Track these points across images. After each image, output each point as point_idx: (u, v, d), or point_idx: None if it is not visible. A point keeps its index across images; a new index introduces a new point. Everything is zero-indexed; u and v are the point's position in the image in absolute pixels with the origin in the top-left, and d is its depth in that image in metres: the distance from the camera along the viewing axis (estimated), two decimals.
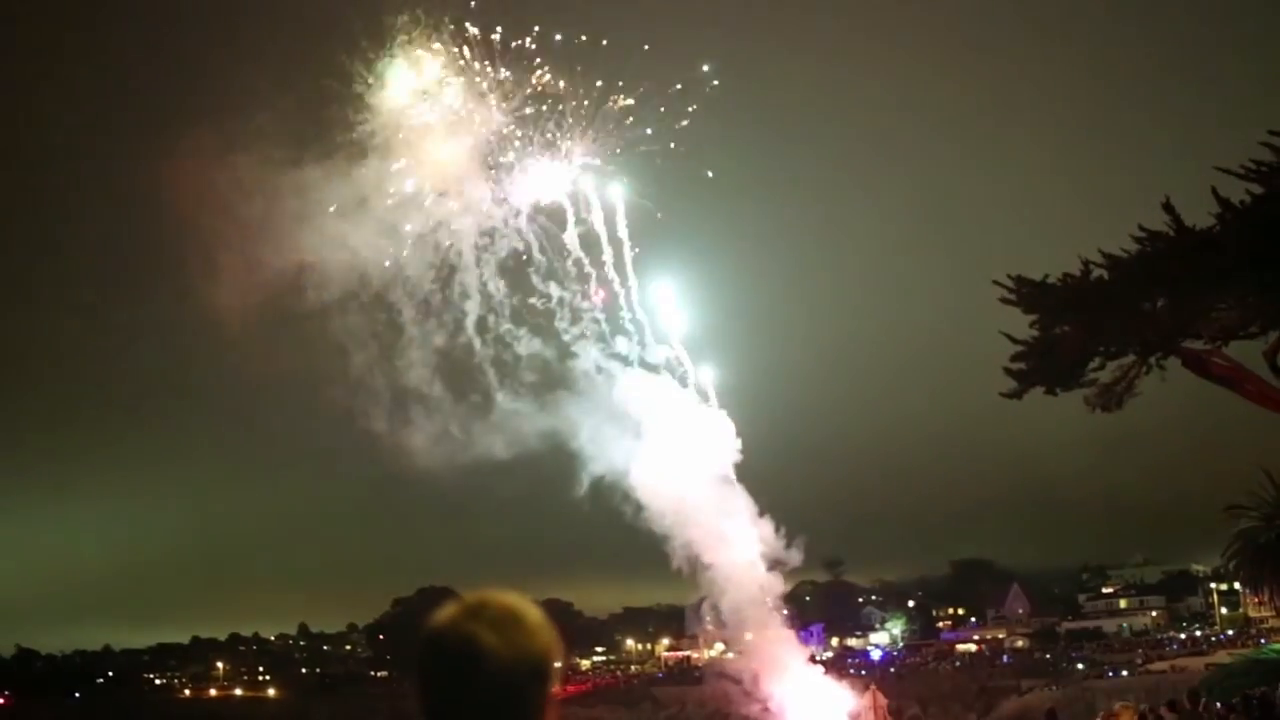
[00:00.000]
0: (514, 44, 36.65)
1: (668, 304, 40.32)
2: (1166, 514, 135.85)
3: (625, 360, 39.38)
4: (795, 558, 39.78)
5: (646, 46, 40.02)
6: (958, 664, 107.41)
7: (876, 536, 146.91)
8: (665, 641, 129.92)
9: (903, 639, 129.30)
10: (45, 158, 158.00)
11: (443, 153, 37.66)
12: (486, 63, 36.80)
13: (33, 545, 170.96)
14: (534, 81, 37.02)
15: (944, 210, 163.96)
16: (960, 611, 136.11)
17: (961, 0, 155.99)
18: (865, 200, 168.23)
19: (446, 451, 38.77)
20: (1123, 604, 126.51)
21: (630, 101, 37.10)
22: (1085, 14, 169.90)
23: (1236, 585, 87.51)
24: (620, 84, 37.06)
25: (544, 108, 37.39)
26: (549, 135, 37.85)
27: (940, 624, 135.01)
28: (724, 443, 39.52)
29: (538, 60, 36.84)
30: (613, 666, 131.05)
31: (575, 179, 38.60)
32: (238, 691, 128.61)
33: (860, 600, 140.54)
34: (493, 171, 38.21)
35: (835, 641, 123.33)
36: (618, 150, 37.91)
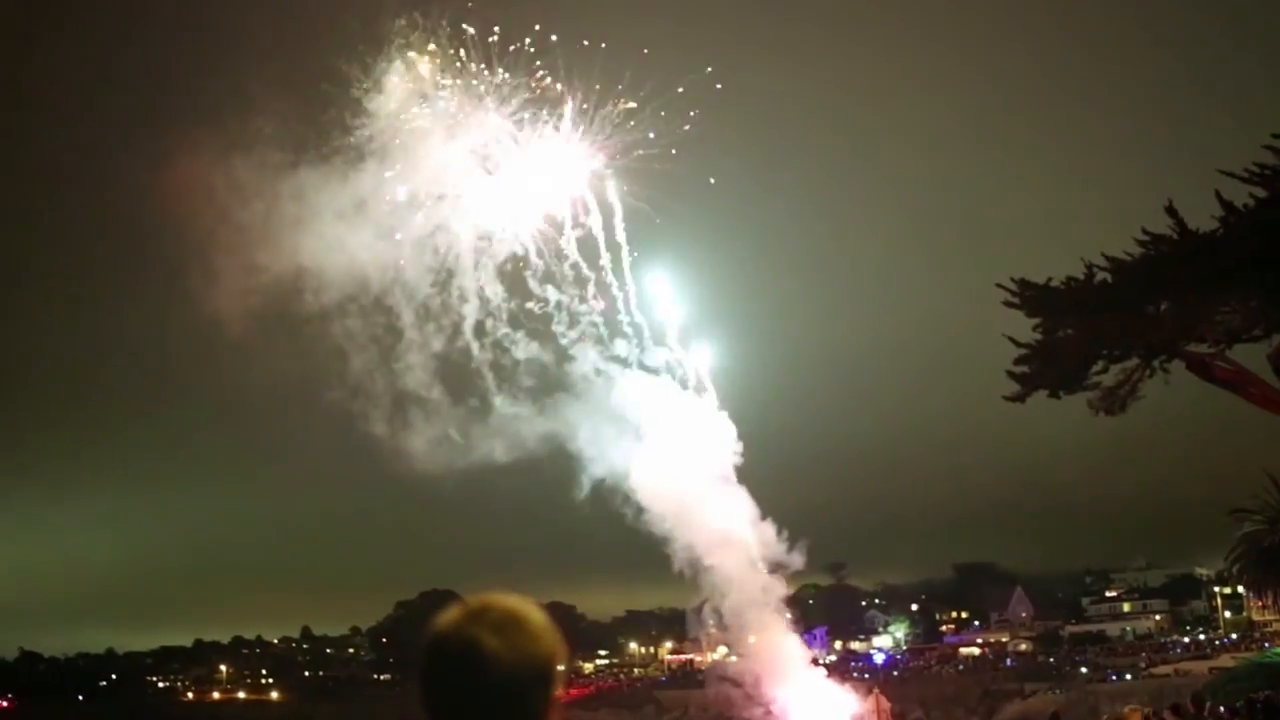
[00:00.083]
0: (512, 48, 36.68)
1: (668, 307, 40.37)
2: (1170, 517, 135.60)
3: (624, 363, 39.42)
4: (797, 561, 39.81)
5: (646, 50, 40.03)
6: (961, 667, 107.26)
7: (879, 540, 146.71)
8: (668, 645, 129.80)
9: (906, 642, 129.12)
10: (45, 161, 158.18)
11: (441, 156, 37.68)
12: (484, 66, 36.85)
13: (35, 548, 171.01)
14: (532, 85, 37.06)
15: (947, 214, 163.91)
16: (963, 615, 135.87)
17: (963, 5, 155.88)
18: (868, 204, 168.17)
19: (447, 455, 38.83)
20: (1126, 607, 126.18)
21: (632, 105, 37.10)
22: (1087, 17, 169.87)
23: (1240, 589, 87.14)
24: (619, 88, 37.09)
25: (543, 112, 37.44)
26: (547, 139, 37.89)
27: (943, 627, 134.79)
28: (725, 445, 39.54)
29: (536, 64, 36.89)
30: (616, 670, 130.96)
31: (573, 183, 38.61)
32: (240, 694, 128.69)
33: (863, 604, 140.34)
34: (491, 175, 38.25)
35: (838, 645, 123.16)
36: (616, 154, 37.94)
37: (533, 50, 36.76)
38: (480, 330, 38.81)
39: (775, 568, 39.64)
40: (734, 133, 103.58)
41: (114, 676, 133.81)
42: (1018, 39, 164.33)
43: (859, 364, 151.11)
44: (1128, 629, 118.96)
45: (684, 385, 40.02)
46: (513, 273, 38.81)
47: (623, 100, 37.07)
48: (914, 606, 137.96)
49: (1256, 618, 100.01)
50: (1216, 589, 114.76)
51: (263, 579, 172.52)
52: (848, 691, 43.71)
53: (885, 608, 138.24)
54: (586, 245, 38.92)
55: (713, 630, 43.83)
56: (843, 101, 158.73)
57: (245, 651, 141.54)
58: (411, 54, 36.58)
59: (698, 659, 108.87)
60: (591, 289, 39.00)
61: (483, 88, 37.02)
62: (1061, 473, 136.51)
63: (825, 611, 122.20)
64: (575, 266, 38.88)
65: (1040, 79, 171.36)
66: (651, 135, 37.27)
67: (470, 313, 38.58)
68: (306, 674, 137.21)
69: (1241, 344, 31.39)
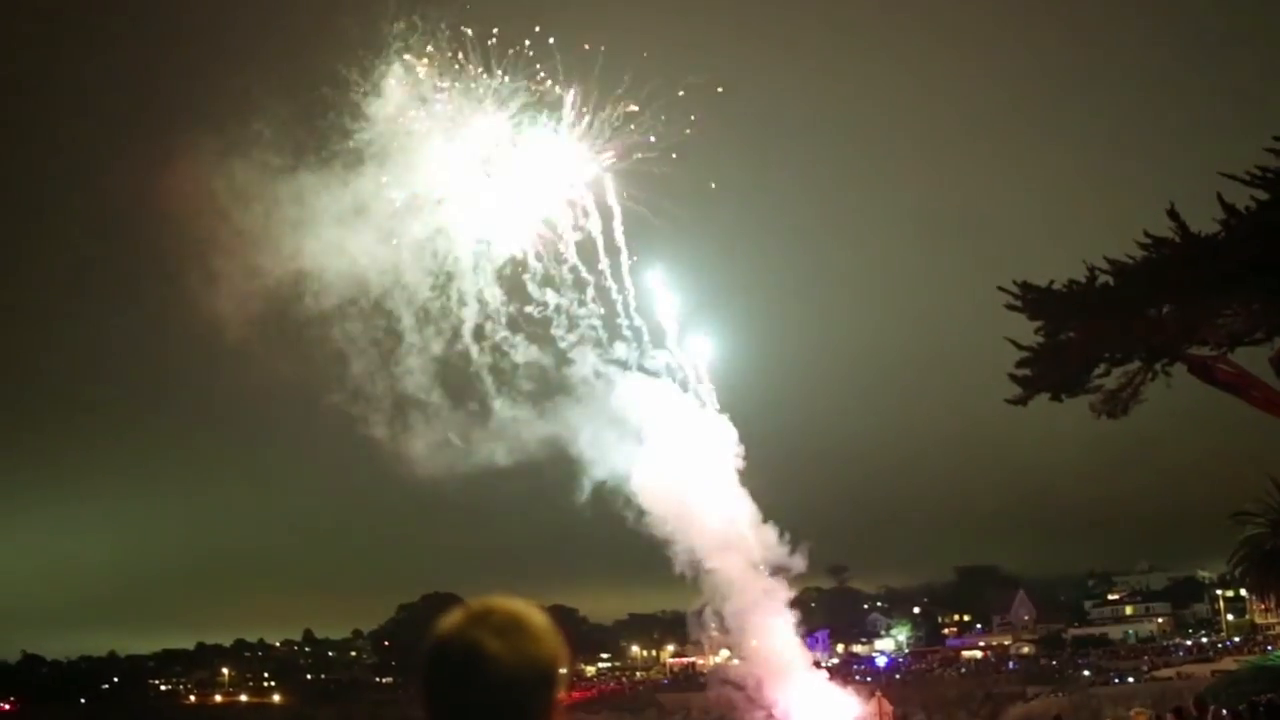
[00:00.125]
0: (511, 51, 36.66)
1: (668, 309, 40.34)
2: (1172, 520, 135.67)
3: (624, 365, 39.40)
4: (799, 563, 39.80)
5: (646, 54, 40.04)
6: (963, 671, 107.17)
7: (881, 543, 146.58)
8: (670, 648, 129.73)
9: (908, 645, 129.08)
10: (44, 163, 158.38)
11: (440, 160, 37.67)
12: (483, 69, 36.83)
13: (38, 551, 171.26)
14: (531, 88, 37.04)
15: (949, 217, 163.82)
16: (966, 618, 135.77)
17: (966, 8, 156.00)
18: (871, 207, 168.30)
19: (449, 458, 38.81)
20: (1128, 610, 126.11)
21: (633, 108, 37.07)
22: (1090, 20, 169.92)
23: (1243, 592, 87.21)
24: (619, 91, 37.06)
25: (542, 115, 37.42)
26: (546, 142, 37.86)
27: (946, 630, 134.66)
28: (726, 448, 39.52)
29: (535, 67, 36.86)
30: (618, 673, 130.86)
31: (573, 186, 38.59)
32: (243, 698, 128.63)
33: (865, 607, 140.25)
34: (490, 179, 38.23)
35: (841, 648, 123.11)
36: (616, 158, 37.90)
37: (532, 53, 36.78)
38: (479, 333, 38.84)
39: (777, 570, 39.67)
40: (735, 136, 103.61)
41: (116, 679, 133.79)
42: (1019, 41, 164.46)
43: (861, 367, 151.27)
44: (1130, 632, 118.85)
45: (684, 388, 40.04)
46: (511, 276, 38.85)
47: (622, 103, 37.07)
48: (916, 609, 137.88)
49: (1259, 621, 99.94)
50: (1219, 592, 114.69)
51: (264, 582, 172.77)
52: (850, 694, 43.70)
53: (887, 611, 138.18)
54: (586, 248, 38.95)
55: (715, 633, 43.80)
56: (844, 104, 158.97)
57: (247, 654, 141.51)
58: (410, 57, 36.62)
59: (700, 662, 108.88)
60: (591, 292, 39.02)
61: (481, 90, 37.04)
62: (1064, 476, 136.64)
63: (827, 614, 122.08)
64: (574, 270, 38.89)
65: (1042, 81, 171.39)
66: (652, 139, 37.26)
67: (469, 316, 38.60)
68: (308, 677, 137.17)
69: (1243, 347, 31.40)
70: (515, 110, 37.25)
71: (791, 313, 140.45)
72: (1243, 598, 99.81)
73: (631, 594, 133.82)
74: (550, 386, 39.32)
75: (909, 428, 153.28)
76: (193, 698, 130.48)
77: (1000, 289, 33.07)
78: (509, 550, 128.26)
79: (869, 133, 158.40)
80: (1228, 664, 68.69)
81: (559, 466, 39.62)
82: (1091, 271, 31.94)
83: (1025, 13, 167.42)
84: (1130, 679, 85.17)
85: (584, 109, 37.08)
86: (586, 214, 38.51)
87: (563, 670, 2.50)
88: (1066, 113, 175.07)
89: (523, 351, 38.95)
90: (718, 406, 40.26)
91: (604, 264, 38.95)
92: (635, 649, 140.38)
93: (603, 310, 39.19)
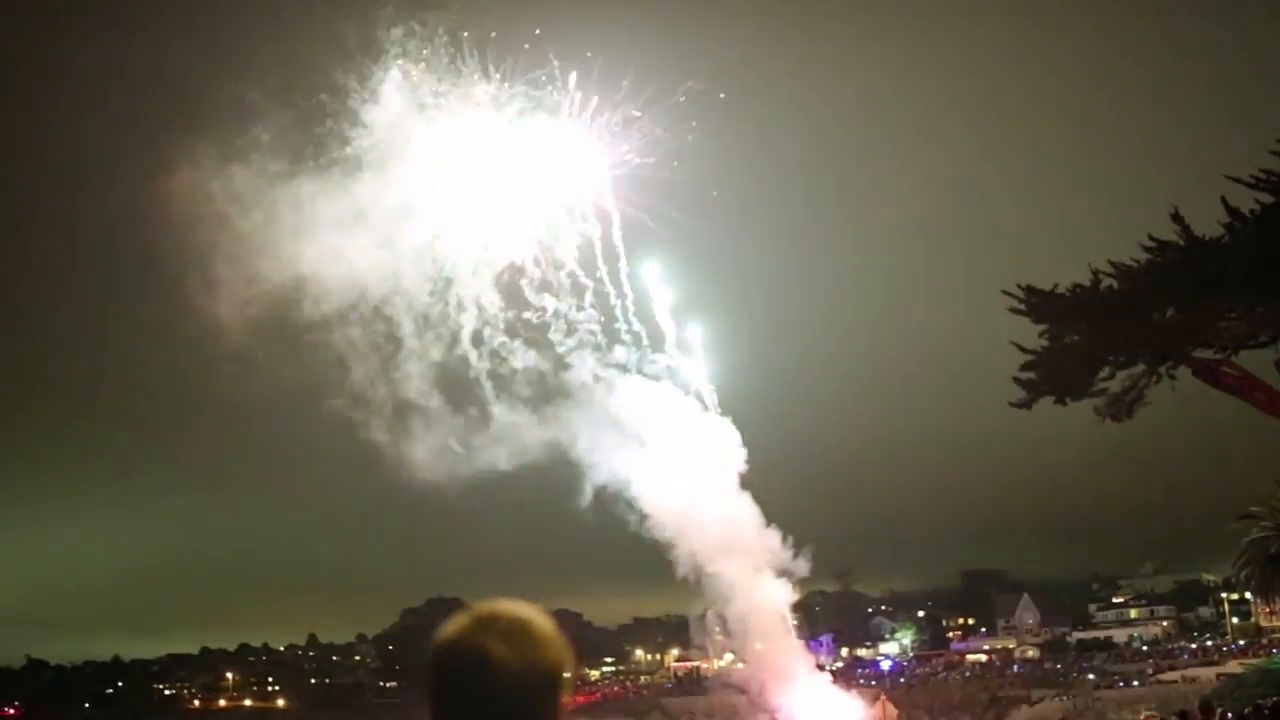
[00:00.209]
0: (510, 57, 36.69)
1: (668, 314, 40.35)
2: (1177, 524, 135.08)
3: (624, 369, 39.42)
4: (802, 567, 39.77)
5: (647, 60, 40.12)
6: (968, 674, 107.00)
7: (886, 547, 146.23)
8: (674, 652, 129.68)
9: (913, 649, 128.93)
10: (43, 170, 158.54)
11: (438, 165, 37.72)
12: (481, 75, 36.86)
13: (42, 556, 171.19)
14: (530, 94, 37.05)
15: (954, 221, 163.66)
16: (970, 622, 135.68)
17: (968, 10, 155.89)
18: (874, 213, 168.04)
19: (450, 462, 38.83)
20: (1133, 614, 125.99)
21: (635, 114, 37.10)
22: (1092, 22, 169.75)
23: (1248, 595, 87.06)
24: (619, 98, 37.07)
25: (541, 120, 37.43)
26: (545, 147, 37.86)
27: (950, 634, 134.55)
28: (729, 451, 39.50)
29: (534, 73, 36.89)
30: (622, 677, 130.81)
31: (572, 191, 38.61)
32: (247, 702, 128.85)
33: (870, 610, 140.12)
34: (488, 184, 38.25)
35: (845, 652, 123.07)
36: (616, 164, 37.92)
37: (531, 59, 36.84)
38: (478, 339, 38.90)
39: (781, 574, 39.64)
40: (736, 143, 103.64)
41: (120, 684, 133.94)
42: (1022, 45, 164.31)
43: (865, 371, 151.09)
44: (1135, 635, 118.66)
45: (686, 392, 40.03)
46: (509, 282, 38.88)
47: (622, 109, 37.11)
48: (921, 613, 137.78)
49: (1264, 624, 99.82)
50: (1224, 595, 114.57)
51: (269, 587, 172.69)
52: (854, 698, 43.68)
53: (892, 614, 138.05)
54: (584, 253, 38.99)
55: (718, 637, 43.78)
56: (846, 109, 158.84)
57: (251, 659, 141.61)
58: (408, 63, 36.66)
59: (704, 666, 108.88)
60: (589, 297, 39.05)
61: (480, 96, 37.08)
62: (1068, 479, 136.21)
63: (832, 618, 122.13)
64: (572, 275, 38.90)
65: (1045, 85, 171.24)
66: (652, 145, 37.30)
67: (468, 321, 38.68)
68: (313, 681, 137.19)
69: (1248, 350, 31.39)
70: (514, 116, 37.34)
71: (796, 317, 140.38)
72: (1247, 601, 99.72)
73: (635, 598, 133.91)
74: (549, 391, 39.40)
75: (913, 431, 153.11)
76: (197, 702, 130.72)
77: (1004, 293, 33.07)
78: (513, 554, 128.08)
79: (872, 137, 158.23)
80: (1233, 667, 68.62)
81: (560, 471, 39.70)
82: (1096, 275, 31.93)
83: (1028, 17, 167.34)
84: (1135, 682, 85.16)
85: (583, 114, 37.16)
86: (585, 219, 38.58)
87: (567, 674, 2.51)
88: (1070, 116, 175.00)
89: (521, 357, 39.03)
90: (720, 410, 40.30)
91: (602, 269, 39.02)
92: (639, 653, 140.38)
93: (601, 316, 39.27)
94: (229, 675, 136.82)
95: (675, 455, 38.73)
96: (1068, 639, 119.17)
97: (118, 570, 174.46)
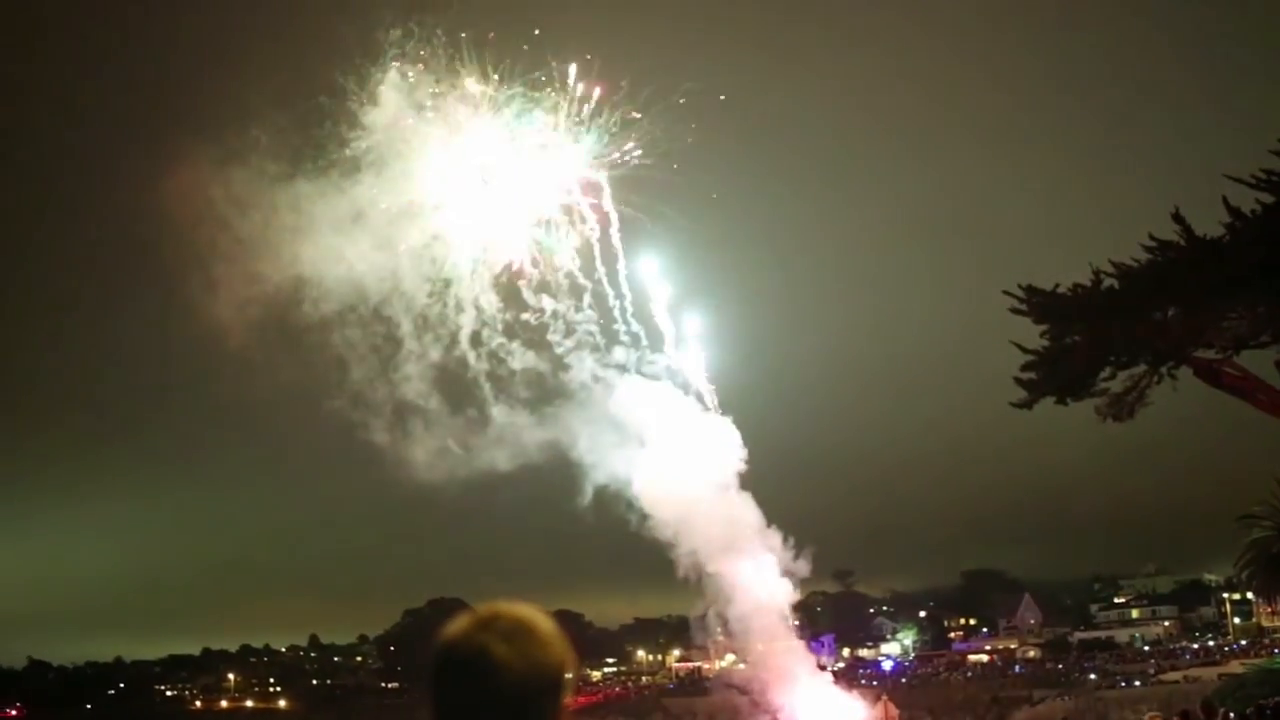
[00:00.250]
0: (508, 58, 36.67)
1: (667, 313, 40.32)
2: (1178, 524, 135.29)
3: (623, 369, 39.41)
4: (803, 568, 39.73)
5: (646, 61, 40.13)
6: (969, 674, 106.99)
7: (887, 547, 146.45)
8: (676, 652, 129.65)
9: (914, 649, 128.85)
10: (43, 171, 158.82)
11: (437, 167, 37.72)
12: (480, 76, 36.85)
13: (43, 557, 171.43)
14: (529, 95, 37.03)
15: (954, 221, 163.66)
16: (972, 622, 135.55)
17: (969, 10, 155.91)
18: (875, 212, 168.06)
19: (450, 463, 38.87)
20: (1135, 614, 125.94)
21: (635, 115, 37.07)
22: (1093, 22, 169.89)
23: (1249, 595, 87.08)
24: (618, 98, 37.04)
25: (539, 121, 37.41)
26: (544, 148, 37.86)
27: (951, 634, 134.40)
28: (729, 451, 39.46)
29: (533, 74, 36.87)
30: (623, 677, 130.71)
31: (570, 192, 38.59)
32: (248, 703, 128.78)
33: (871, 611, 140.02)
34: (487, 185, 38.25)
35: (846, 652, 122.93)
36: (615, 165, 37.89)
37: (530, 60, 36.82)
38: (477, 340, 38.90)
39: (782, 574, 39.60)
40: (736, 143, 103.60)
41: (122, 685, 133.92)
42: (1022, 45, 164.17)
43: (866, 371, 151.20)
44: (1136, 635, 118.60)
45: (686, 392, 40.01)
46: (508, 283, 38.88)
47: (621, 110, 37.08)
48: (922, 613, 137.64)
49: (1265, 624, 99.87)
50: (1225, 595, 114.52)
51: (270, 587, 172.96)
52: (856, 698, 43.65)
53: (893, 615, 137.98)
54: (583, 254, 38.98)
55: (720, 637, 43.75)
56: (846, 108, 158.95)
57: (253, 660, 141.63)
58: (407, 65, 36.67)
59: (705, 666, 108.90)
60: (588, 298, 39.06)
61: (479, 97, 37.08)
62: (1069, 479, 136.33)
63: (833, 618, 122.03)
64: (570, 276, 38.90)
65: (1045, 85, 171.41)
66: (651, 146, 37.26)
67: (467, 323, 38.68)
68: (314, 682, 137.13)
69: (1249, 350, 31.35)
70: (512, 117, 37.32)
71: (796, 317, 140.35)
72: (1249, 601, 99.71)
73: (636, 598, 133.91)
74: (548, 392, 39.41)
75: (914, 432, 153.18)
76: (199, 703, 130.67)
77: (1005, 293, 33.04)
78: (514, 555, 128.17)
79: (871, 138, 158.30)
80: (1234, 667, 68.57)
81: (560, 471, 39.72)
82: (1096, 275, 31.90)
83: (1027, 16, 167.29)
84: (1137, 682, 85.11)
85: (582, 115, 37.14)
86: (584, 220, 38.56)
87: (569, 675, 2.51)
88: (1071, 116, 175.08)
89: (520, 357, 39.04)
90: (720, 410, 40.27)
91: (601, 270, 39.01)
92: (640, 653, 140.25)
93: (600, 317, 39.27)
94: (230, 676, 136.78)
95: (675, 455, 38.69)
96: (1069, 639, 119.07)
97: (119, 571, 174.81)
